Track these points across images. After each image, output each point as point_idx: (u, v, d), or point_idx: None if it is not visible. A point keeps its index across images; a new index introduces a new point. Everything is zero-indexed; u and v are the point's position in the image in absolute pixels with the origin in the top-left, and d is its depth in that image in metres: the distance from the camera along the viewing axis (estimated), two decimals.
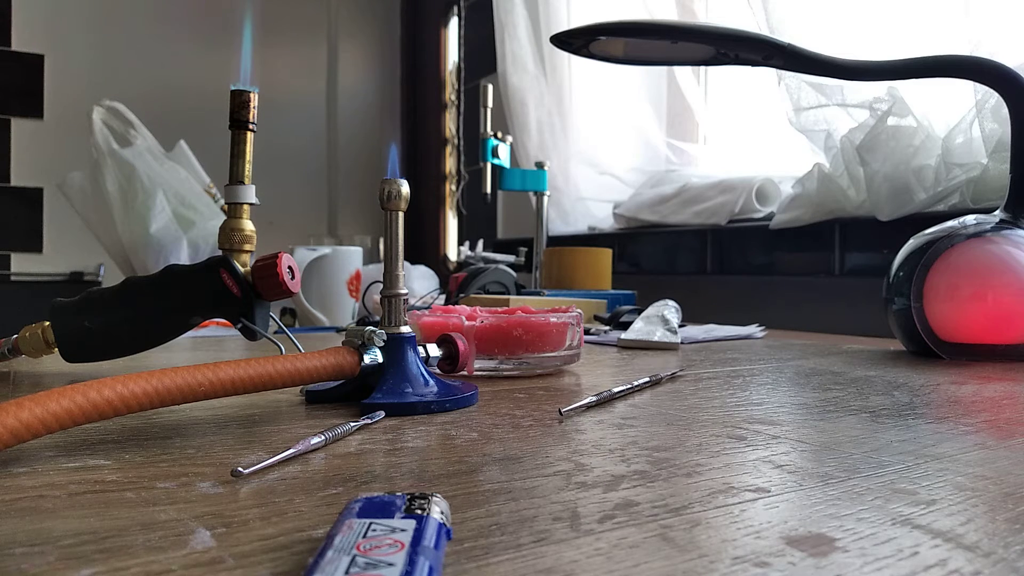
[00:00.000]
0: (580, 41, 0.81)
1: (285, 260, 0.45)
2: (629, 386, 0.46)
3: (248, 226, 0.46)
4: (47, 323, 0.48)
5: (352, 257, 1.06)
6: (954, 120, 0.87)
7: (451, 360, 0.45)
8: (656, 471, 0.28)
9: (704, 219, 1.26)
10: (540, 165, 1.27)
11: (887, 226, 0.93)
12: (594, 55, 0.84)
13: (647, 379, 0.48)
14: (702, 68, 1.42)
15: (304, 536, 0.21)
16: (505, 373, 0.52)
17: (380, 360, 0.40)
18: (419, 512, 0.19)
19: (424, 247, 2.24)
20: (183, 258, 1.33)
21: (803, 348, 0.75)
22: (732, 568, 0.19)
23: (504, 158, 1.25)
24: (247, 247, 0.46)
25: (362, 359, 0.39)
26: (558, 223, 1.58)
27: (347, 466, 0.28)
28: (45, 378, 0.52)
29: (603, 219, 1.54)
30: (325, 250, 1.03)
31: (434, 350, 0.44)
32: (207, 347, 0.74)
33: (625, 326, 0.86)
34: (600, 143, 1.54)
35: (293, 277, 0.45)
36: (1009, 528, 0.22)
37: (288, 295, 0.45)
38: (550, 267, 1.18)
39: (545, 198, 1.28)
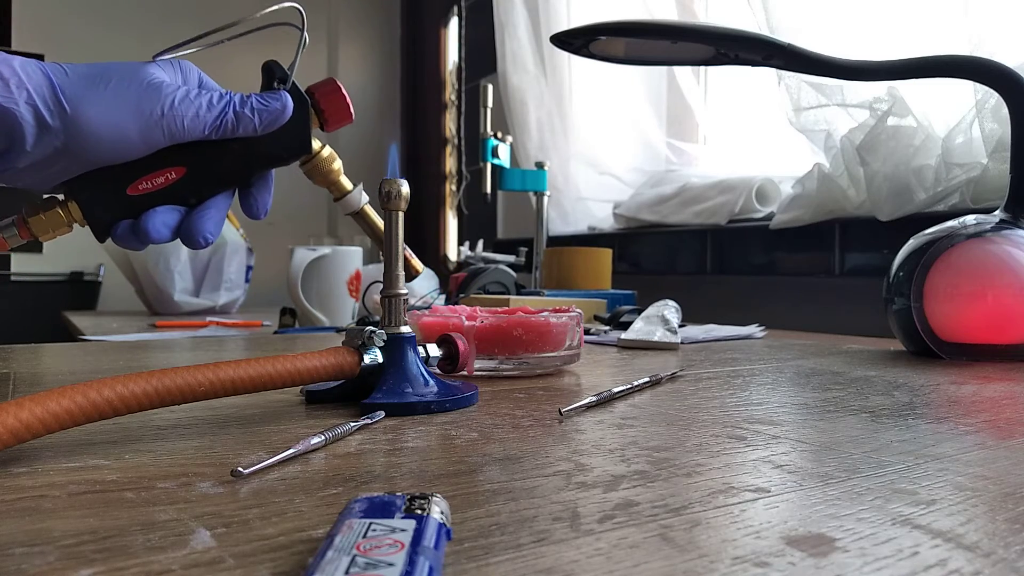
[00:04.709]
0: (580, 41, 0.81)
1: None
2: (629, 386, 0.46)
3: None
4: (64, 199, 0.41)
5: (352, 257, 1.06)
6: (954, 120, 0.87)
7: (451, 360, 0.45)
8: (656, 471, 0.28)
9: (704, 219, 1.26)
10: (540, 165, 1.27)
11: (887, 226, 0.93)
12: (594, 55, 0.84)
13: (647, 379, 0.48)
14: (702, 68, 1.42)
15: (304, 536, 0.21)
16: (505, 373, 0.52)
17: (380, 360, 0.40)
18: (419, 512, 0.19)
19: (424, 247, 2.24)
20: (183, 258, 1.33)
21: (803, 348, 0.75)
22: (732, 568, 0.19)
23: (504, 158, 1.25)
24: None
25: (362, 359, 0.39)
26: (558, 223, 1.58)
27: (347, 466, 0.28)
28: (45, 378, 0.52)
29: (603, 219, 1.54)
30: (325, 250, 1.03)
31: (434, 350, 0.44)
32: (207, 347, 0.74)
33: (625, 326, 0.86)
34: (600, 143, 1.54)
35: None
36: (1009, 528, 0.22)
37: (350, 118, 0.44)
38: (550, 267, 1.18)
39: (545, 198, 1.28)
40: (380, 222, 0.47)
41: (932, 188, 0.89)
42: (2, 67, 0.35)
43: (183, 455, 0.30)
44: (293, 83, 0.42)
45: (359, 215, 0.47)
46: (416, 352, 0.41)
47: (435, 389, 0.40)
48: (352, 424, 0.34)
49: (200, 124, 0.39)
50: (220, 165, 0.42)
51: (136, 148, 0.39)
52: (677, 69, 1.41)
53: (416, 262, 0.47)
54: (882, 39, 0.94)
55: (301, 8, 0.42)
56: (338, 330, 0.94)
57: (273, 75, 0.42)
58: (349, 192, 0.46)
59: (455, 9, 2.14)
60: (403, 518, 0.19)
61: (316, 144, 0.44)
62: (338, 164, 0.46)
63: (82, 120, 0.37)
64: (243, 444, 0.32)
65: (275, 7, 0.41)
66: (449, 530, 0.19)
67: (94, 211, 0.41)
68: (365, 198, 0.47)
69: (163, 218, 0.41)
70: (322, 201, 2.27)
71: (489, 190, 1.25)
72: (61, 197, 0.41)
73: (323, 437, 0.31)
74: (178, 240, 0.42)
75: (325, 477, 0.26)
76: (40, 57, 1.93)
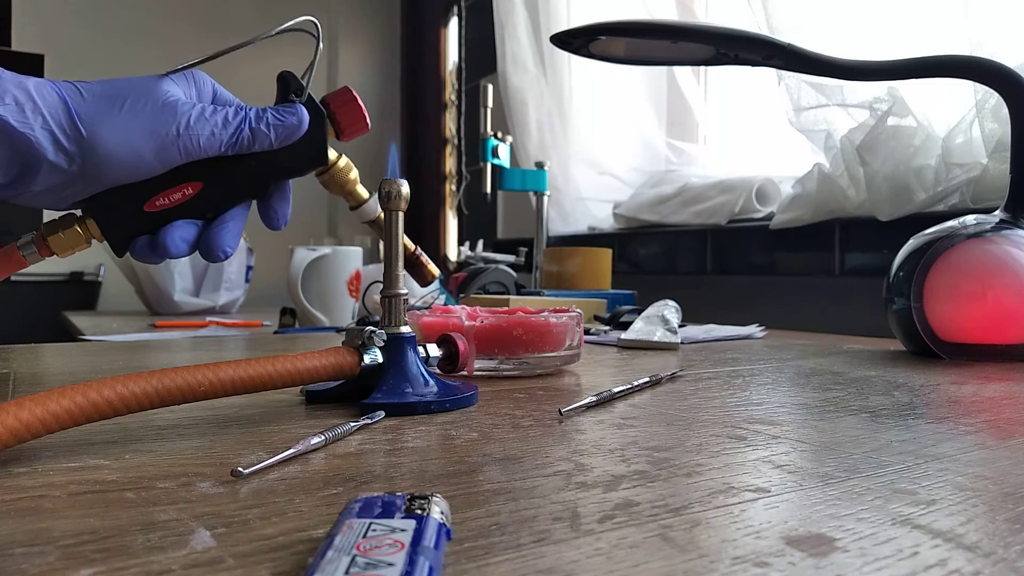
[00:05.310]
0: (580, 41, 0.81)
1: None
2: (629, 386, 0.46)
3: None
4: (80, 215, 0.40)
5: (352, 257, 1.06)
6: (954, 120, 0.87)
7: (451, 360, 0.45)
8: (656, 471, 0.28)
9: (704, 219, 1.26)
10: (540, 165, 1.27)
11: (887, 226, 0.92)
12: (594, 55, 0.84)
13: (647, 379, 0.48)
14: (702, 68, 1.42)
15: (304, 536, 0.21)
16: (505, 373, 0.52)
17: (380, 360, 0.40)
18: (419, 512, 0.19)
19: (424, 247, 2.23)
20: (183, 258, 1.33)
21: (803, 348, 0.75)
22: (732, 568, 0.19)
23: (504, 158, 1.25)
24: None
25: (362, 359, 0.39)
26: (558, 223, 1.58)
27: (347, 466, 0.28)
28: (45, 378, 0.52)
29: (603, 219, 1.54)
30: (325, 250, 1.03)
31: (434, 350, 0.44)
32: (207, 347, 0.74)
33: (625, 326, 0.86)
34: (600, 143, 1.54)
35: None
36: (1009, 528, 0.22)
37: (366, 128, 0.43)
38: (550, 267, 1.18)
39: (545, 198, 1.28)
40: None
41: (932, 188, 0.89)
42: (17, 91, 0.35)
43: (183, 455, 0.30)
44: (309, 95, 0.42)
45: (375, 223, 0.47)
46: (416, 352, 0.41)
47: (435, 389, 0.40)
48: (352, 424, 0.34)
49: (216, 142, 0.39)
50: (236, 179, 0.41)
51: (152, 168, 0.39)
52: (677, 69, 1.41)
53: (432, 267, 0.46)
54: (882, 39, 0.94)
55: (316, 20, 0.41)
56: (338, 330, 0.94)
57: (288, 87, 0.42)
58: (366, 201, 0.46)
59: (455, 9, 2.14)
60: (403, 518, 0.19)
61: (332, 155, 0.44)
62: (355, 174, 0.46)
63: (98, 143, 0.37)
64: (243, 444, 0.32)
65: (291, 22, 0.41)
66: (449, 530, 0.19)
67: (112, 228, 0.41)
68: None
69: (181, 233, 0.41)
70: (322, 201, 2.27)
71: (489, 190, 1.25)
72: (78, 213, 0.41)
73: (323, 437, 0.31)
74: None
75: (325, 477, 0.26)
76: (40, 57, 1.92)
